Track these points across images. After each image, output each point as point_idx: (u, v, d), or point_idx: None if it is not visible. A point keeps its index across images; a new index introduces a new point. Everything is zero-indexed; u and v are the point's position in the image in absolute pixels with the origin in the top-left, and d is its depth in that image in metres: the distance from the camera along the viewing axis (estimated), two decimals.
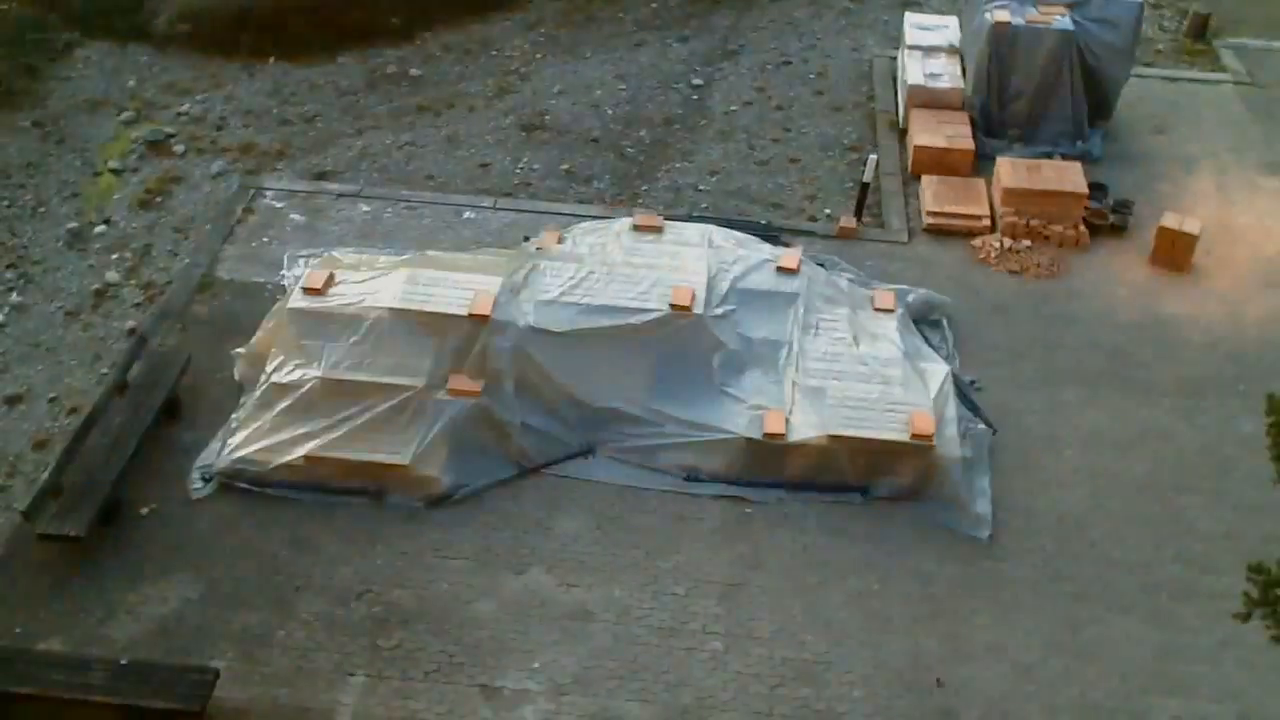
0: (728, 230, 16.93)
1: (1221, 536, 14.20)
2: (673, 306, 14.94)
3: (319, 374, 14.53)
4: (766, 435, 14.24)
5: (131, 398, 14.84)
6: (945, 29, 21.25)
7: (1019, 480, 14.77)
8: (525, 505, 14.30)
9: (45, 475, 13.70)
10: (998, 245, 18.09)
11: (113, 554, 13.59)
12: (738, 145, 20.40)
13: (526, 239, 17.41)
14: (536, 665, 12.72)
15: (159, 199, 18.96)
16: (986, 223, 18.48)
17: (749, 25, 23.57)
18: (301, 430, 14.37)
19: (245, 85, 21.54)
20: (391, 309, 14.73)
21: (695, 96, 21.54)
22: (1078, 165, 18.83)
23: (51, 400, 15.64)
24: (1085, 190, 18.26)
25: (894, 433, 14.13)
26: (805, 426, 14.34)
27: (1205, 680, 12.78)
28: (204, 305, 16.86)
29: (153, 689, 11.92)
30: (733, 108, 21.24)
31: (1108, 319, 17.09)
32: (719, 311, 15.19)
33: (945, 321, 16.73)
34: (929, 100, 20.07)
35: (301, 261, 17.18)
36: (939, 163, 19.32)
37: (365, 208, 18.64)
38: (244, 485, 14.23)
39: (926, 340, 16.06)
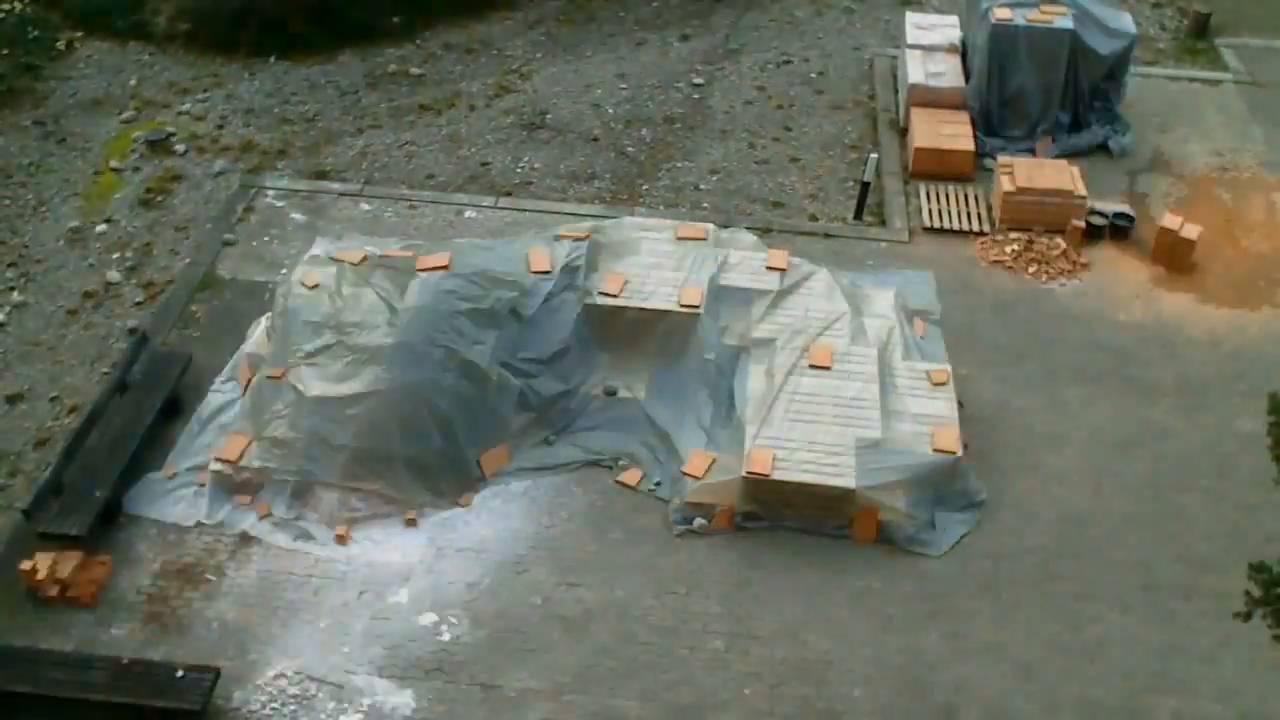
0: None
1: (1221, 536, 14.20)
2: None
3: None
4: None
5: (132, 397, 14.86)
6: (946, 28, 21.25)
7: (1019, 479, 14.78)
8: (526, 505, 14.31)
9: (46, 474, 13.71)
10: (998, 245, 18.10)
11: (113, 554, 13.59)
12: (738, 144, 20.39)
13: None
14: (537, 664, 12.73)
15: (160, 198, 18.95)
16: (987, 222, 18.48)
17: (750, 24, 23.57)
18: None
19: (246, 84, 21.54)
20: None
21: (696, 95, 21.53)
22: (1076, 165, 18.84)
23: (52, 399, 15.64)
24: (1084, 190, 18.25)
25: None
26: None
27: (1205, 680, 12.78)
28: (205, 305, 16.88)
29: (153, 689, 11.94)
30: (734, 107, 21.24)
31: (1108, 318, 17.08)
32: None
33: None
34: (929, 99, 20.07)
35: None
36: (939, 162, 19.32)
37: (366, 207, 18.65)
38: None
39: None
